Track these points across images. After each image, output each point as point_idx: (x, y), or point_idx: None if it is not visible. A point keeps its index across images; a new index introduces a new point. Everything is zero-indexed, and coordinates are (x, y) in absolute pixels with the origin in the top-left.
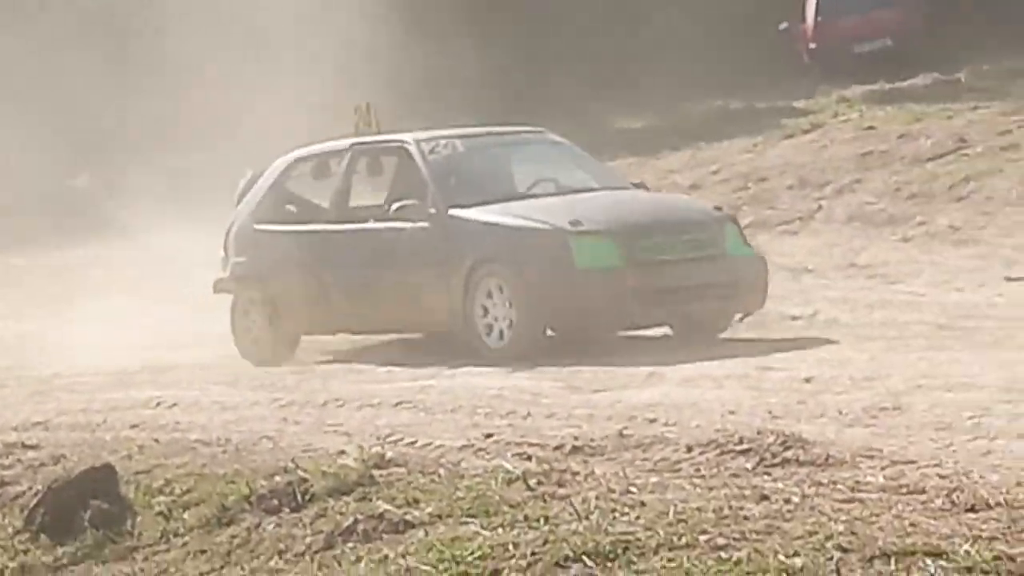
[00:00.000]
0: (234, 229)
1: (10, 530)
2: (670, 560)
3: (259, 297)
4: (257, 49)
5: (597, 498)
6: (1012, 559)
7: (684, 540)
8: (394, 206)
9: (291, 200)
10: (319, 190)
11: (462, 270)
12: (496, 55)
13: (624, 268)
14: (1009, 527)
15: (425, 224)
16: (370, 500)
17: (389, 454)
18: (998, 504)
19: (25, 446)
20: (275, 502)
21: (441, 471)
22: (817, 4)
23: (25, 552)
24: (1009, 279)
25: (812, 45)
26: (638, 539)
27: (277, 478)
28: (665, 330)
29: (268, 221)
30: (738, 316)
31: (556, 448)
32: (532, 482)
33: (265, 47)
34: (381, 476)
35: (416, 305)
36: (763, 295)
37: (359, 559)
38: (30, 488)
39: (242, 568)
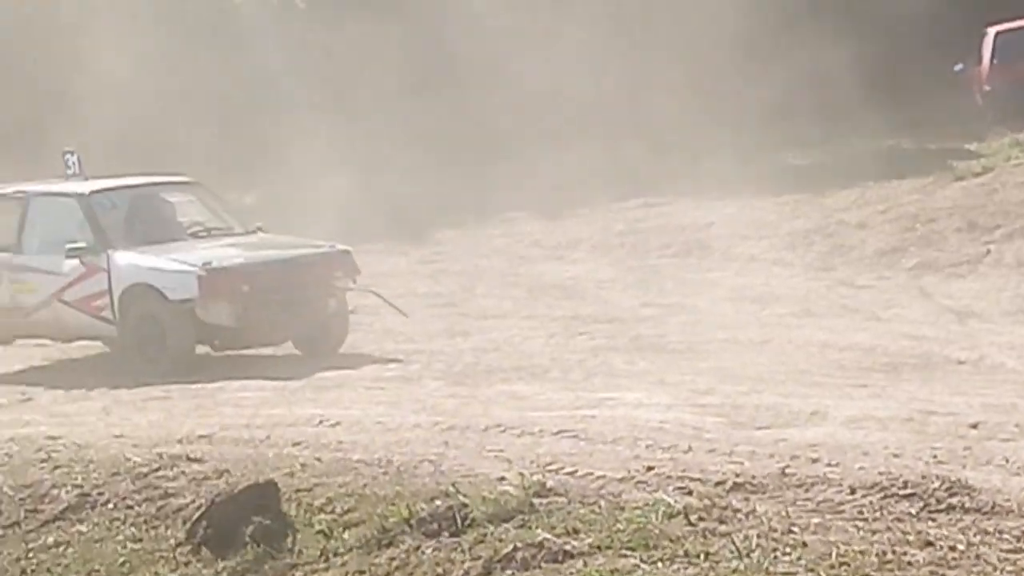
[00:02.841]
0: None
1: (172, 542)
2: None
3: None
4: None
5: (758, 536)
6: None
7: None
8: None
9: None
10: None
11: None
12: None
13: None
14: None
15: None
16: (530, 528)
17: (550, 483)
18: None
19: (189, 459)
20: (435, 526)
21: (601, 502)
22: (994, 47)
23: (186, 564)
24: None
25: (987, 87)
26: None
27: (437, 502)
28: None
29: None
30: None
31: (718, 484)
32: (693, 517)
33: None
34: (541, 504)
35: None
36: None
37: None
38: (193, 501)
39: None
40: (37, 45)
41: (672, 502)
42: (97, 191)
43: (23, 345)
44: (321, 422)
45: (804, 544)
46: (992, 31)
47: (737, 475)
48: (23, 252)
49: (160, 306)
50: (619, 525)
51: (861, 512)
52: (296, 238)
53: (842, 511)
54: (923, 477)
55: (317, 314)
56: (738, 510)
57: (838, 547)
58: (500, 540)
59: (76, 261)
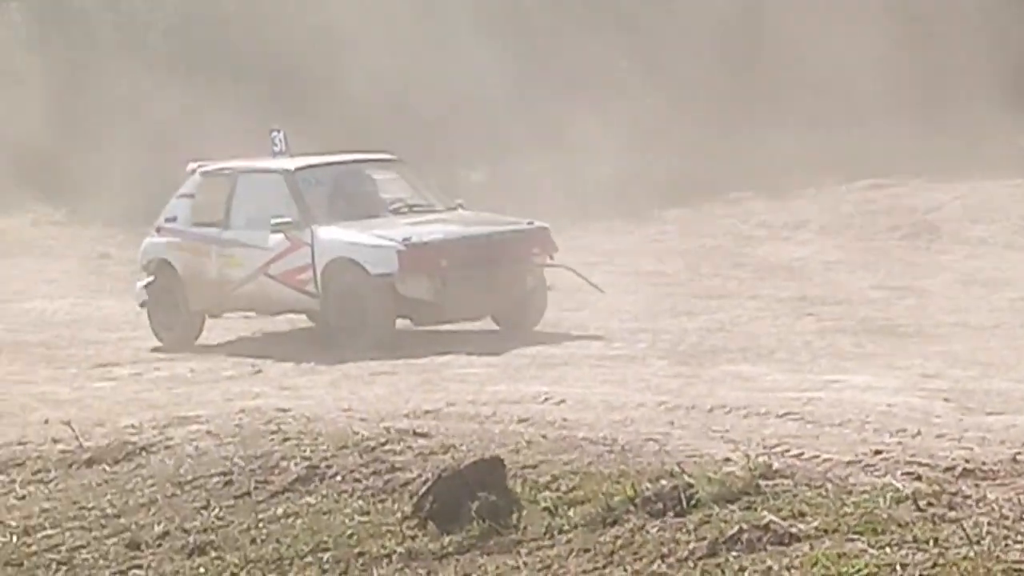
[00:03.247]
0: None
1: (399, 515)
2: None
3: None
4: None
5: (989, 523)
6: None
7: None
8: None
9: None
10: None
11: None
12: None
13: None
14: None
15: None
16: (755, 510)
17: (776, 464)
18: None
19: (416, 434)
20: (660, 505)
21: (828, 485)
22: None
23: (412, 538)
24: None
25: None
26: None
27: (662, 481)
28: None
29: None
30: None
31: (947, 469)
32: (922, 503)
33: None
34: (767, 486)
35: None
36: None
37: (742, 569)
38: (419, 476)
39: (625, 569)
40: (278, 22)
41: (900, 487)
42: (302, 168)
43: (233, 318)
44: (546, 399)
45: None
46: None
47: (967, 461)
48: (231, 227)
49: (361, 280)
50: (846, 509)
51: None
52: (495, 215)
53: None
54: None
55: (515, 290)
56: (968, 496)
57: None
58: (725, 521)
59: (281, 236)
